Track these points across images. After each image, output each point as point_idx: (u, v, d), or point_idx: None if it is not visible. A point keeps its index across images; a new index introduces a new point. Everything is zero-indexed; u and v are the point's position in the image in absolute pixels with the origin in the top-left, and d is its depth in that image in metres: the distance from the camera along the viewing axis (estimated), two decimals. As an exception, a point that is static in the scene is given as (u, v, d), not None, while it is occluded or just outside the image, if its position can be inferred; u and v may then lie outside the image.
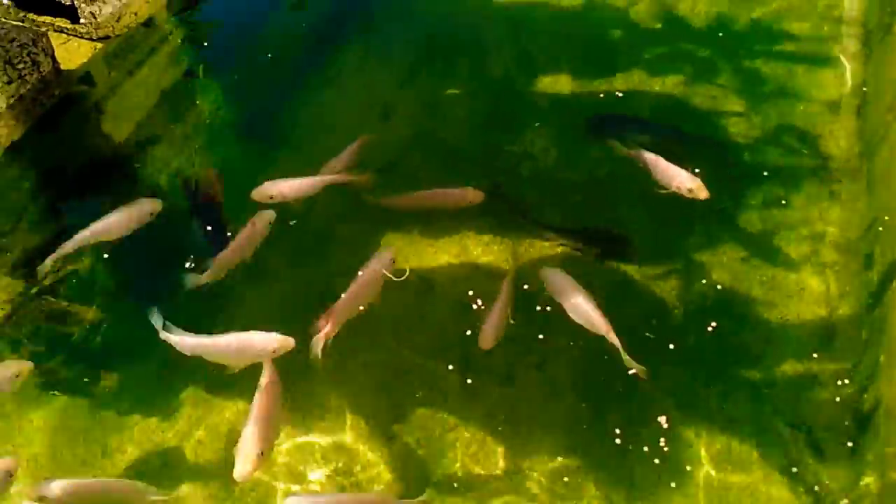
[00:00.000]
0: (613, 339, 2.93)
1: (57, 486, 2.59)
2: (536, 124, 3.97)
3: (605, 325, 2.95)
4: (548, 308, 3.17)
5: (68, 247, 3.06)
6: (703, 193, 3.35)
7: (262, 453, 2.58)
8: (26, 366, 2.83)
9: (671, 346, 3.15)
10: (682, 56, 4.27)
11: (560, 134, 3.95)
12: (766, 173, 3.73)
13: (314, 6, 4.77)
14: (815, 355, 3.12)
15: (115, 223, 3.11)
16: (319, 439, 2.91)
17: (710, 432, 2.95)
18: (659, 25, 4.47)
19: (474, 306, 3.22)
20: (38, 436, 2.91)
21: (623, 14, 4.55)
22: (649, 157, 3.50)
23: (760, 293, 3.33)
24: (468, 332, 3.11)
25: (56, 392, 3.01)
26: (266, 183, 3.31)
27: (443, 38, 4.55)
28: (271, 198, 3.27)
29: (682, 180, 3.39)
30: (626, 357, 2.89)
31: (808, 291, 3.31)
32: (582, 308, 3.00)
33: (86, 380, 3.05)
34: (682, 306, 3.30)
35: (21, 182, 3.49)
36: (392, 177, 3.65)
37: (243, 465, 2.55)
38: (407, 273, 3.27)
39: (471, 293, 3.27)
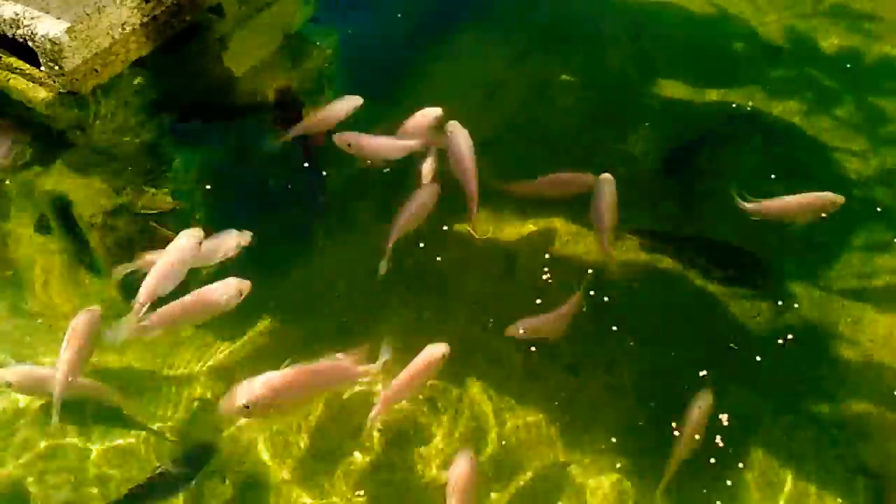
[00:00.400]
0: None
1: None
2: (646, 124, 3.92)
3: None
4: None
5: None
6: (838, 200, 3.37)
7: (247, 405, 2.57)
8: (246, 284, 2.84)
9: (745, 369, 3.10)
10: (805, 82, 4.15)
11: (665, 140, 3.90)
12: (873, 216, 3.62)
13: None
14: (891, 405, 3.02)
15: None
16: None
17: (767, 462, 2.90)
18: (787, 46, 4.35)
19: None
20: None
21: (752, 29, 4.44)
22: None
23: (846, 332, 3.23)
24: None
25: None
26: (347, 133, 3.35)
27: (562, 26, 4.53)
28: (349, 146, 3.32)
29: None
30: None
31: (894, 340, 3.21)
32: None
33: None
34: (764, 332, 3.24)
35: (139, 97, 3.65)
36: (485, 155, 3.68)
37: (225, 402, 2.61)
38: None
39: (549, 280, 3.29)
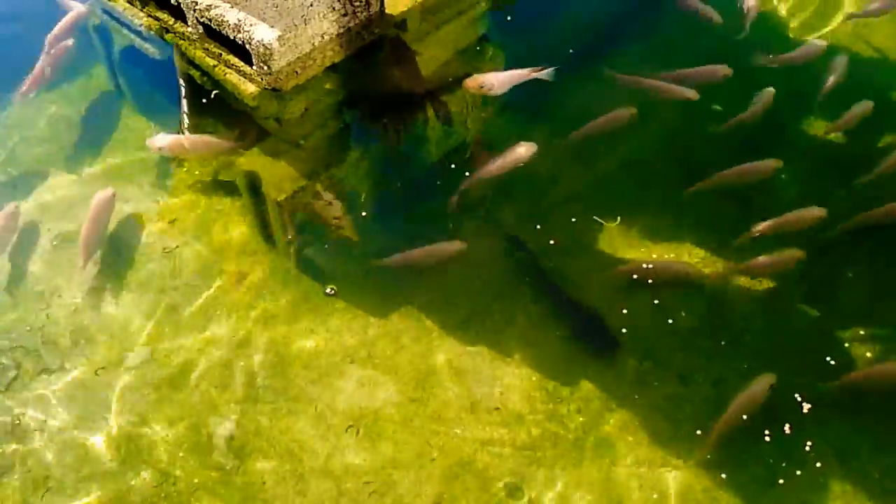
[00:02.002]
0: None
1: None
2: (786, 157, 4.04)
3: None
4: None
5: None
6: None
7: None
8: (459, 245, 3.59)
9: (850, 403, 3.25)
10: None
11: (807, 176, 4.03)
12: None
13: (609, 5, 5.06)
14: None
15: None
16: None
17: (858, 497, 3.04)
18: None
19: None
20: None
21: (914, 76, 4.45)
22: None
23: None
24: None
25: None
26: (476, 75, 4.02)
27: (721, 58, 4.67)
28: (481, 87, 3.96)
29: None
30: None
31: None
32: None
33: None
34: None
35: (330, 96, 4.21)
36: (626, 175, 3.97)
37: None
38: None
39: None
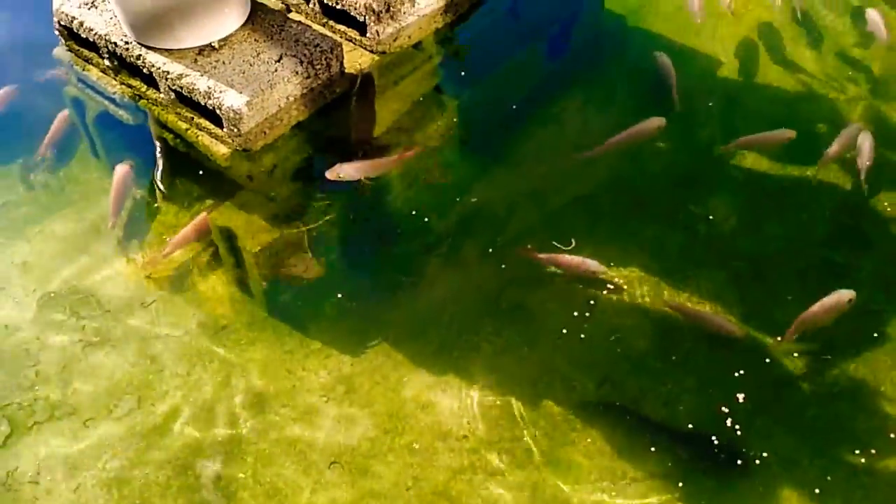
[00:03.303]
0: None
1: None
2: (726, 191, 4.40)
3: None
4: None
5: None
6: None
7: None
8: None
9: (792, 417, 3.54)
10: (878, 161, 4.50)
11: (744, 206, 4.37)
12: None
13: (553, 50, 5.42)
14: (923, 459, 3.38)
15: None
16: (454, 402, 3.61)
17: (801, 499, 3.32)
18: (872, 128, 4.71)
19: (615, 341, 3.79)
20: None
21: (834, 109, 4.83)
22: None
23: (889, 391, 3.60)
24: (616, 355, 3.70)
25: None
26: (336, 165, 4.20)
27: (659, 99, 5.03)
28: (339, 175, 4.16)
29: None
30: None
31: (934, 402, 3.56)
32: None
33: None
34: (812, 384, 3.66)
35: (297, 153, 4.48)
36: (577, 209, 4.29)
37: None
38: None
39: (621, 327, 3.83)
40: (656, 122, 4.56)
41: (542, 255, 4.07)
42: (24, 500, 3.36)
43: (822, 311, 3.76)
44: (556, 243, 4.14)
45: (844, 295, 3.76)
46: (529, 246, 4.12)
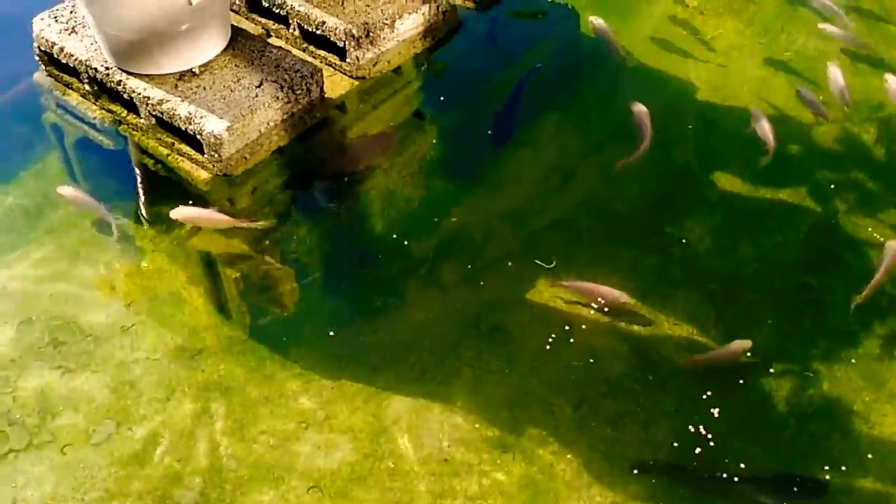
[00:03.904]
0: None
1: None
2: (700, 212, 4.46)
3: None
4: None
5: None
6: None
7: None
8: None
9: (769, 436, 3.59)
10: (851, 184, 4.60)
11: (719, 227, 4.44)
12: (902, 311, 4.03)
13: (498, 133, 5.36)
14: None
15: None
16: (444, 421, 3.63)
17: (777, 516, 3.37)
18: (838, 149, 4.81)
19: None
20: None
21: (806, 133, 4.93)
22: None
23: (862, 409, 3.67)
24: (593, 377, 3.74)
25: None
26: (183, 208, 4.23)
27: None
28: (177, 217, 4.19)
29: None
30: None
31: (904, 422, 3.62)
32: None
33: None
34: (787, 404, 3.72)
35: (277, 178, 4.51)
36: (555, 231, 4.34)
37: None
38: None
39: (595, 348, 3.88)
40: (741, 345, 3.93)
41: (566, 283, 4.10)
42: (1, 531, 3.33)
43: (718, 356, 3.85)
44: (538, 261, 4.18)
45: (742, 344, 3.83)
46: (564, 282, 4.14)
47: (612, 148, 4.91)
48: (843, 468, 3.48)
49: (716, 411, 3.64)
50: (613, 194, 4.64)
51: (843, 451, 3.55)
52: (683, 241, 4.34)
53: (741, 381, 3.77)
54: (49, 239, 4.38)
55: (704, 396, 3.70)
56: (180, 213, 4.18)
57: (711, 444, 3.54)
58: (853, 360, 3.84)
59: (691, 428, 3.60)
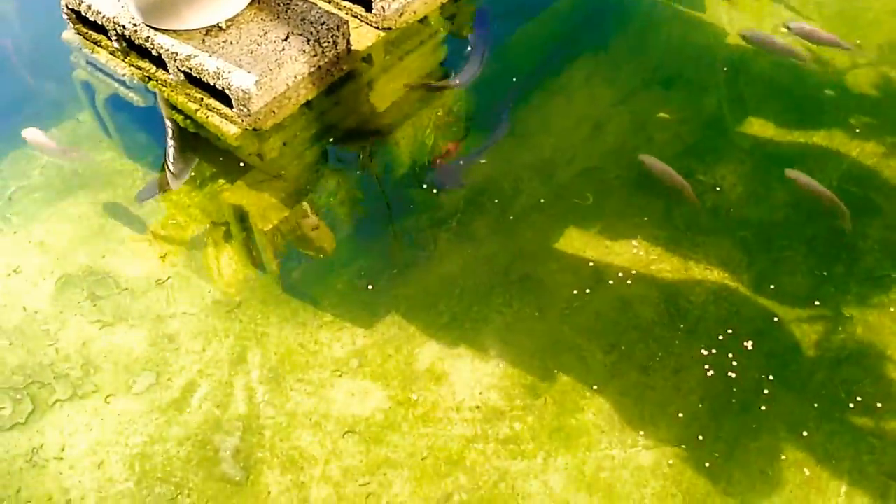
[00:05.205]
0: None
1: None
2: (733, 159, 4.41)
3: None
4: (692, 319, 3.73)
5: None
6: None
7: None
8: None
9: (799, 381, 3.59)
10: (886, 128, 4.51)
11: (751, 174, 4.39)
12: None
13: (558, 23, 5.41)
14: (928, 420, 3.43)
15: None
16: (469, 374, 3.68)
17: (807, 460, 3.38)
18: (874, 94, 4.71)
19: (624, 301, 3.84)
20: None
21: (840, 76, 4.83)
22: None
23: (895, 355, 3.65)
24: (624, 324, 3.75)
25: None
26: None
27: (666, 67, 5.05)
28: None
29: None
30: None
31: (940, 365, 3.60)
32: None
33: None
34: (819, 349, 3.71)
35: (306, 131, 4.52)
36: (585, 181, 4.33)
37: None
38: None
39: (631, 290, 3.88)
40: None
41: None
42: (50, 476, 3.45)
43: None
44: (576, 200, 4.21)
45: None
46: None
47: (643, 96, 4.86)
48: (879, 414, 3.48)
49: (746, 356, 3.65)
50: (644, 142, 4.60)
51: (875, 395, 3.54)
52: (717, 188, 4.31)
53: (775, 327, 3.76)
54: (84, 196, 4.45)
55: (734, 342, 3.71)
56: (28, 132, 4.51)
57: (738, 386, 3.56)
58: (886, 306, 3.82)
59: (721, 373, 3.61)
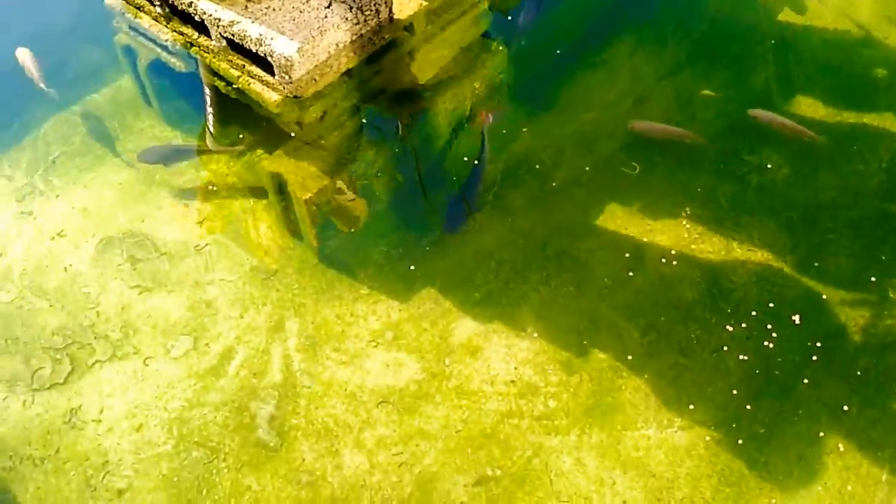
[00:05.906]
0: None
1: None
2: (779, 139, 4.31)
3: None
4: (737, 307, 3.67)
5: None
6: None
7: None
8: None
9: (842, 366, 3.52)
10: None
11: (797, 154, 4.29)
12: None
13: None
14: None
15: None
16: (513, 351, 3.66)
17: (848, 447, 3.32)
18: (931, 76, 4.57)
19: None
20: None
21: (892, 56, 4.68)
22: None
23: (942, 343, 3.57)
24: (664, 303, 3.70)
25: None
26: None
27: (713, 43, 4.94)
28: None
29: None
30: None
31: None
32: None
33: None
34: (864, 334, 3.63)
35: (346, 100, 4.49)
36: (626, 156, 4.28)
37: None
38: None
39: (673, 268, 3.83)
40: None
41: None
42: (88, 438, 3.51)
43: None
44: (623, 168, 4.21)
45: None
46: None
47: (688, 72, 4.76)
48: (920, 400, 3.41)
49: (788, 339, 3.59)
50: (688, 119, 4.51)
51: (919, 381, 3.47)
52: (767, 167, 4.21)
53: (820, 310, 3.69)
54: (125, 162, 4.48)
55: (776, 324, 3.64)
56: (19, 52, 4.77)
57: (779, 369, 3.50)
58: (935, 292, 3.73)
59: (761, 356, 3.55)
